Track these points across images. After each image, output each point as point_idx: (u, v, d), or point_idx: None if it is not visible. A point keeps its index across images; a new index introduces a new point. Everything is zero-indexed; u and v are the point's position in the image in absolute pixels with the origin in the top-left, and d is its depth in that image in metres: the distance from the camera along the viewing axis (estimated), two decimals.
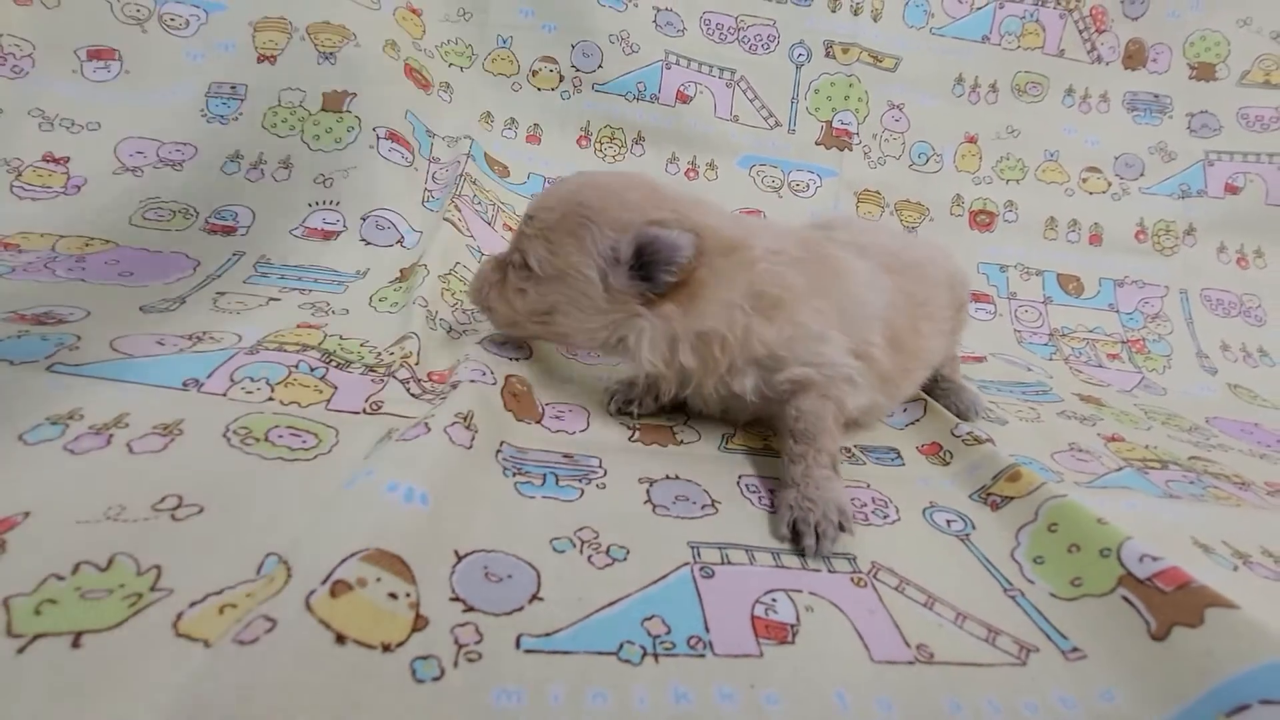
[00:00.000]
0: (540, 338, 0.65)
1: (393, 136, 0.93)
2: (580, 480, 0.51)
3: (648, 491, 0.51)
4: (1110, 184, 1.21)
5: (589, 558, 0.43)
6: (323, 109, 0.92)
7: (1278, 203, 1.20)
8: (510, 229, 0.93)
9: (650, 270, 0.53)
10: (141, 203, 0.84)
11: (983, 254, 1.17)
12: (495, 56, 1.11)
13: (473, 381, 0.57)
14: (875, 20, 1.19)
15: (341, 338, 0.66)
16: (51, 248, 0.75)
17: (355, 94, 0.93)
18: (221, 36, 0.95)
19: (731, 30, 1.16)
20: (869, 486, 0.59)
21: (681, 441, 0.62)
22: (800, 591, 0.43)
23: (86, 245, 0.77)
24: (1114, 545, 0.46)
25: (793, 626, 0.40)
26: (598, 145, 1.12)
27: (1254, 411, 1.00)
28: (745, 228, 0.59)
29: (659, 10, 1.13)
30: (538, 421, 0.59)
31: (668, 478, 0.54)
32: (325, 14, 0.96)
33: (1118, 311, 1.15)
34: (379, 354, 0.64)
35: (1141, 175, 1.21)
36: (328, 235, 0.85)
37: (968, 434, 0.66)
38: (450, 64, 1.10)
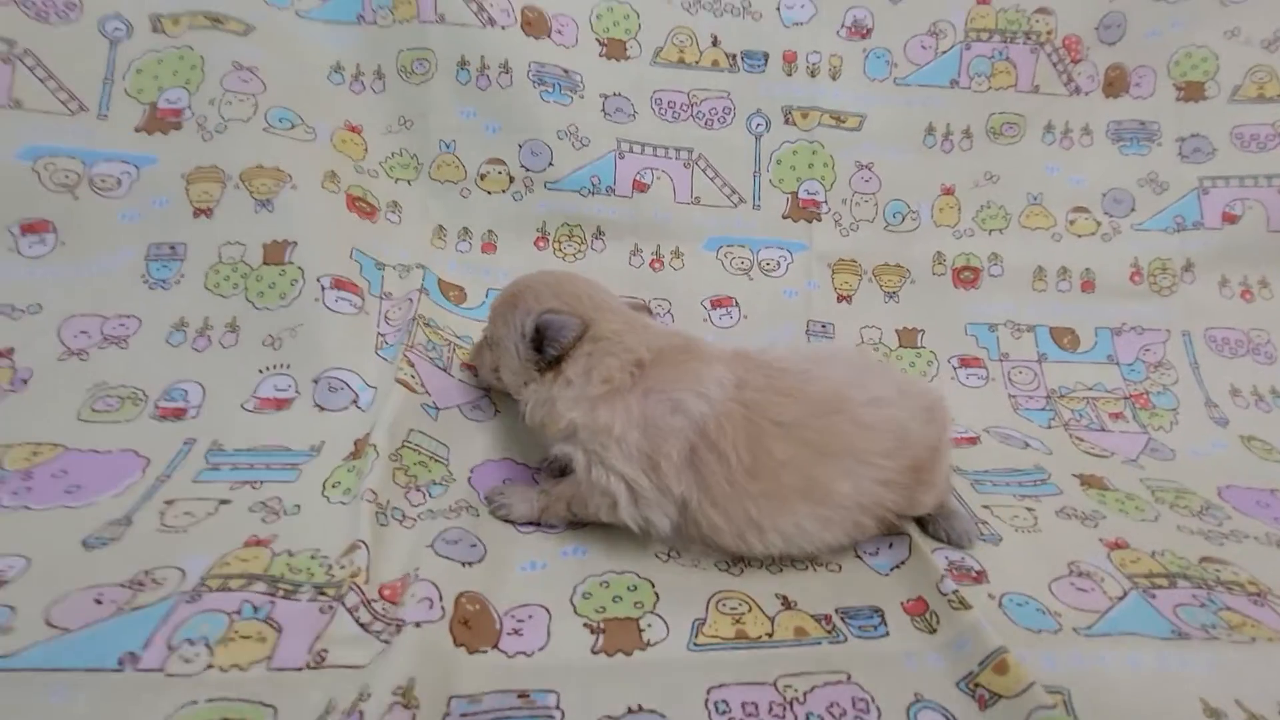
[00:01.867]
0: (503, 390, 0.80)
1: (339, 284, 0.90)
2: None
3: None
4: (1100, 224, 1.15)
5: None
6: (264, 262, 0.89)
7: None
8: (468, 366, 0.90)
9: (542, 346, 0.69)
10: (89, 391, 0.82)
11: (970, 314, 1.12)
12: (440, 163, 1.07)
13: (418, 625, 0.54)
14: (834, 79, 1.13)
15: (290, 554, 0.63)
16: None
17: (295, 242, 0.90)
18: (155, 192, 0.92)
19: (685, 107, 1.11)
20: (849, 679, 0.55)
21: (649, 643, 0.58)
22: None
23: (35, 454, 0.75)
24: None
25: None
26: (556, 245, 1.08)
27: (1269, 472, 0.95)
28: (632, 327, 0.71)
29: (606, 98, 1.09)
30: (494, 646, 0.56)
31: (629, 711, 0.51)
32: (257, 156, 0.93)
33: (1118, 364, 1.09)
34: (329, 568, 0.62)
35: (1132, 211, 1.15)
36: (280, 404, 0.83)
37: (953, 594, 0.63)
38: (396, 179, 1.06)
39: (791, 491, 0.64)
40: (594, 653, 0.57)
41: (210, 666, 0.51)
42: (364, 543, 0.63)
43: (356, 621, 0.56)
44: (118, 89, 0.95)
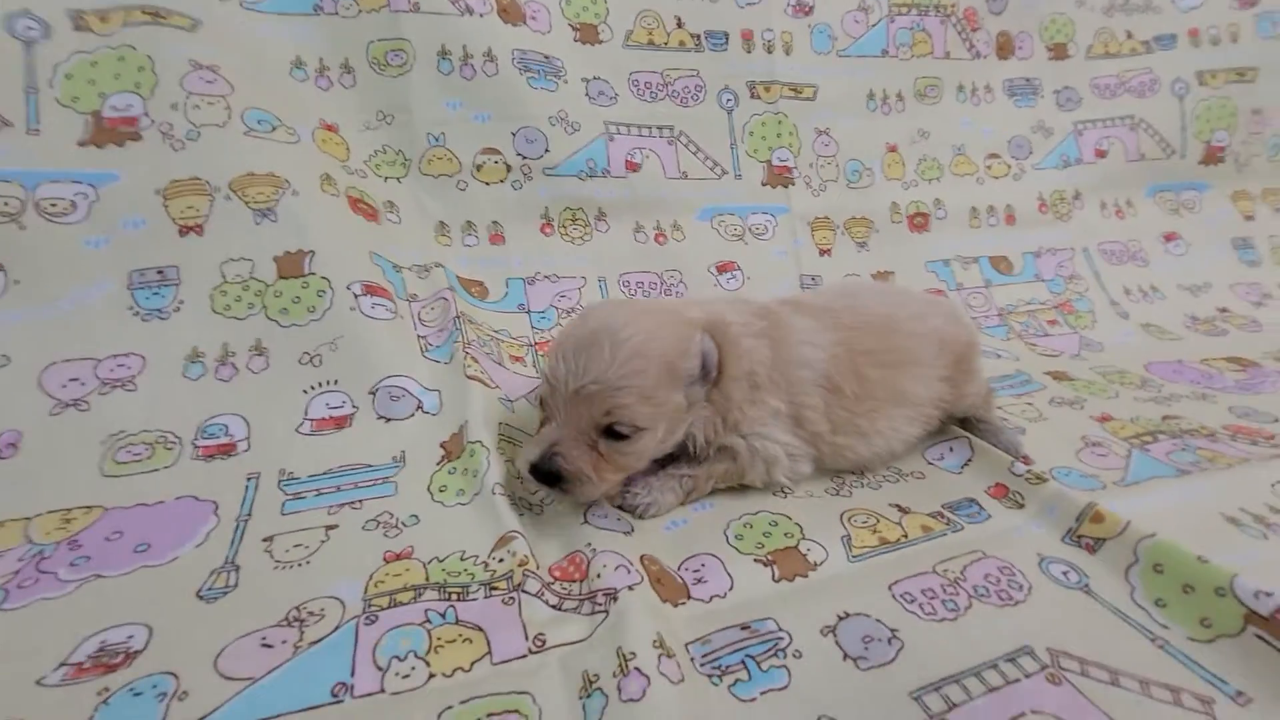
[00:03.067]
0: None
1: (371, 290, 0.85)
2: (774, 654, 0.52)
3: (837, 643, 0.53)
4: (1010, 167, 1.36)
5: None
6: (280, 276, 0.82)
7: (1136, 159, 1.40)
8: (517, 359, 0.89)
9: (709, 374, 0.66)
10: (104, 443, 0.71)
11: (927, 253, 1.28)
12: (430, 157, 1.02)
13: (631, 588, 0.55)
14: (788, 54, 1.23)
15: (439, 559, 0.61)
16: (25, 537, 0.62)
17: (312, 251, 0.83)
18: (124, 212, 0.81)
19: (660, 87, 1.15)
20: (985, 555, 0.64)
21: (816, 564, 0.63)
22: (1024, 715, 0.47)
23: (67, 521, 0.64)
24: (1226, 584, 0.54)
25: None
26: (562, 229, 1.08)
27: (1168, 348, 1.19)
28: (714, 305, 0.72)
29: (588, 81, 1.10)
30: (688, 597, 0.59)
31: (840, 618, 0.56)
32: (245, 163, 0.84)
33: (1044, 281, 1.30)
34: (486, 564, 0.60)
35: (1030, 154, 1.37)
36: (340, 423, 0.77)
37: (1027, 473, 0.74)
38: (385, 178, 1.01)
39: (885, 401, 0.76)
40: (775, 581, 0.61)
41: (433, 676, 0.49)
42: (519, 533, 0.62)
43: (546, 604, 0.56)
44: (46, 98, 0.81)
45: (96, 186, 0.81)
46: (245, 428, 0.75)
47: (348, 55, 1.00)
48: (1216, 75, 1.41)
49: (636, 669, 0.47)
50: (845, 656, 0.52)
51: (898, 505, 0.73)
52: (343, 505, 0.68)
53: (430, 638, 0.52)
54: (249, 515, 0.66)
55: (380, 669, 0.49)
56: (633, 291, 1.08)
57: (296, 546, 0.62)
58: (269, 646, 0.51)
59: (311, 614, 0.54)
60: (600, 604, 0.55)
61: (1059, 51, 1.40)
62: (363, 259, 0.87)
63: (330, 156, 0.95)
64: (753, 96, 1.20)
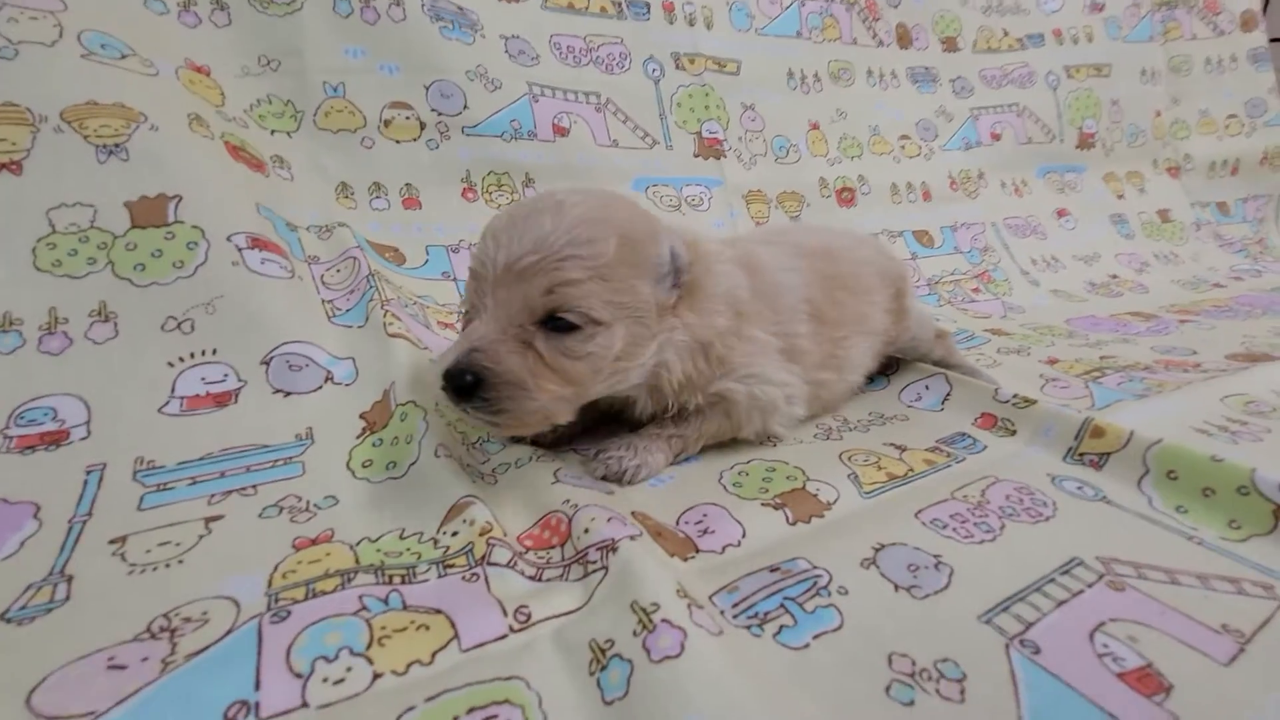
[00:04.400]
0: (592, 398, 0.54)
1: (259, 244, 0.69)
2: (815, 593, 0.43)
3: (882, 575, 0.45)
4: (921, 148, 1.41)
5: (949, 697, 0.35)
6: (134, 225, 0.64)
7: (1025, 142, 1.51)
8: (447, 325, 0.76)
9: (677, 275, 0.53)
10: None
11: (857, 227, 1.28)
12: (328, 109, 0.88)
13: (633, 539, 0.44)
14: (709, 28, 1.21)
15: (371, 540, 0.47)
16: None
17: (179, 196, 0.67)
18: None
19: (584, 52, 1.09)
20: (998, 480, 0.59)
21: (829, 503, 0.55)
22: (1105, 624, 0.41)
23: None
24: (1248, 481, 0.51)
25: (1153, 667, 0.38)
26: (486, 194, 0.97)
27: (1078, 308, 1.25)
28: (683, 228, 0.60)
29: (507, 39, 1.01)
30: (697, 550, 0.48)
31: (875, 550, 0.48)
32: (86, 90, 0.67)
33: (962, 253, 1.35)
34: (436, 541, 0.47)
35: (936, 136, 1.44)
36: (221, 400, 0.60)
37: (1013, 397, 0.71)
38: (272, 130, 0.85)
39: (854, 329, 0.72)
40: (791, 524, 0.52)
41: (379, 676, 0.35)
42: (475, 497, 0.49)
43: (522, 575, 0.44)
44: None
45: None
46: (84, 411, 0.56)
47: None
48: (1080, 70, 1.56)
49: (665, 620, 0.36)
50: (897, 588, 0.44)
51: (893, 444, 0.67)
52: (229, 493, 0.52)
53: (370, 629, 0.38)
54: (88, 514, 0.49)
55: (299, 676, 0.35)
56: None
57: (162, 545, 0.46)
58: (120, 668, 0.35)
59: (187, 620, 0.39)
60: (595, 561, 0.43)
61: (950, 44, 1.49)
62: (246, 208, 0.72)
63: (201, 99, 0.78)
64: (678, 68, 1.17)
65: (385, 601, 0.41)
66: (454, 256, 0.89)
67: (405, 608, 0.40)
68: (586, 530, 0.46)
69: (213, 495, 0.51)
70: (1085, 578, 0.46)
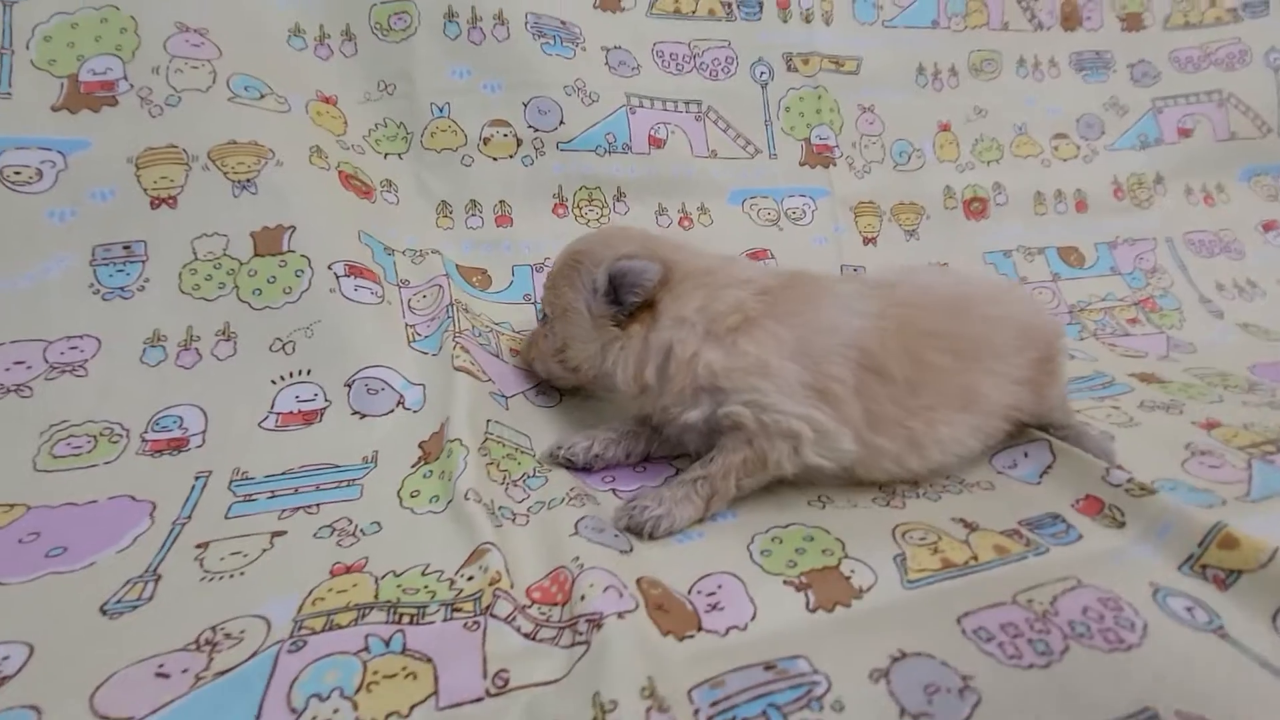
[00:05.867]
0: (569, 381, 0.72)
1: (355, 271, 0.75)
2: (806, 704, 0.40)
3: (890, 692, 0.41)
4: (1079, 147, 1.21)
5: None
6: (256, 254, 0.73)
7: (1225, 138, 1.24)
8: (515, 352, 0.79)
9: (620, 295, 0.61)
10: (43, 435, 0.63)
11: (985, 243, 1.14)
12: (434, 129, 0.94)
13: (621, 616, 0.44)
14: (828, 24, 1.12)
15: (396, 574, 0.50)
16: None
17: (293, 227, 0.75)
18: (93, 183, 0.73)
19: (687, 59, 1.05)
20: (1080, 583, 0.51)
21: (861, 590, 0.51)
22: None
23: None
24: None
25: None
26: (576, 210, 0.98)
27: (1273, 350, 1.02)
28: (721, 262, 0.65)
29: (608, 50, 1.01)
30: (699, 628, 0.47)
31: (893, 659, 0.43)
32: (227, 131, 0.77)
33: (1120, 274, 1.15)
34: (452, 582, 0.49)
35: (1103, 134, 1.22)
36: (308, 418, 0.67)
37: (1128, 482, 0.60)
38: (385, 154, 0.92)
39: (950, 401, 0.61)
40: (811, 610, 0.48)
41: None
42: (493, 544, 0.51)
43: (518, 631, 0.45)
44: (21, 60, 0.75)
45: (65, 154, 0.74)
46: (202, 420, 0.66)
47: (349, 21, 0.92)
48: None
49: None
50: (903, 712, 0.40)
51: (963, 520, 0.59)
52: (297, 509, 0.58)
53: (365, 671, 0.41)
54: (188, 518, 0.57)
55: (294, 711, 0.39)
56: None
57: (234, 554, 0.52)
58: (164, 676, 0.41)
59: (228, 636, 0.44)
60: (582, 634, 0.43)
61: (1133, 22, 1.25)
62: (349, 237, 0.78)
63: (325, 130, 0.86)
64: (789, 69, 1.09)
65: (388, 643, 0.43)
66: (537, 276, 0.92)
67: (404, 651, 0.43)
68: (583, 597, 0.46)
69: (283, 510, 0.57)
70: None
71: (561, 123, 0.96)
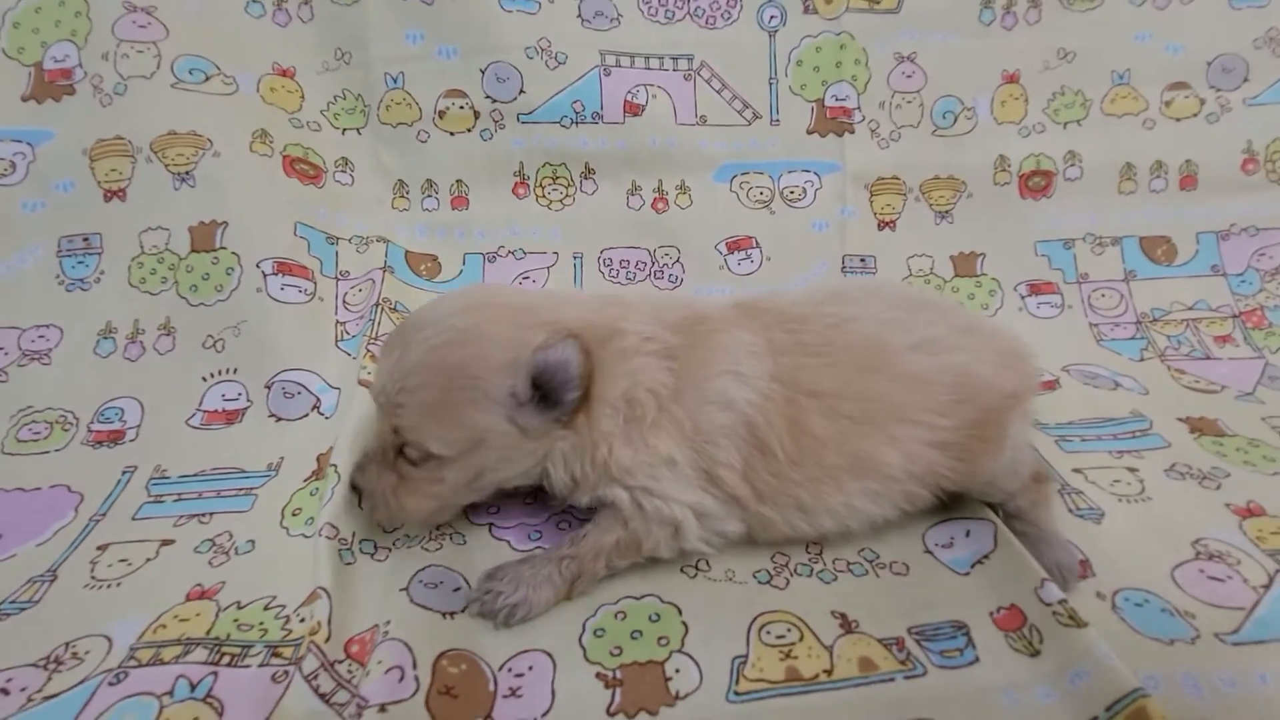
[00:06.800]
0: (472, 501, 0.59)
1: (284, 268, 0.76)
2: None
3: None
4: (1204, 101, 0.93)
5: None
6: (193, 249, 0.75)
7: None
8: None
9: (554, 396, 0.51)
10: (13, 418, 0.71)
11: (1040, 230, 0.93)
12: (388, 102, 0.89)
13: (382, 709, 0.43)
14: None
15: (239, 605, 0.52)
16: None
17: (225, 222, 0.75)
18: (57, 174, 0.78)
19: (679, 4, 0.90)
20: None
21: (677, 695, 0.47)
22: None
23: None
24: None
25: None
26: (539, 190, 0.91)
27: None
28: (616, 307, 0.56)
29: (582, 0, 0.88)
30: (487, 717, 0.45)
31: None
32: (168, 121, 0.77)
33: (1225, 275, 0.90)
34: (287, 620, 0.51)
35: (1245, 81, 0.92)
36: (230, 417, 0.71)
37: (1059, 604, 0.49)
38: (344, 129, 0.89)
39: (837, 470, 0.54)
40: (610, 715, 0.45)
41: None
42: (325, 590, 0.52)
43: (315, 692, 0.46)
44: None
45: (34, 145, 0.78)
46: (139, 413, 0.71)
47: None
48: None
49: None
50: None
51: (843, 616, 0.52)
52: (192, 517, 0.62)
53: (159, 717, 0.44)
54: (103, 515, 0.62)
55: None
56: (615, 274, 0.89)
57: (121, 562, 0.57)
58: (4, 694, 0.46)
59: (74, 656, 0.48)
60: (353, 715, 0.43)
61: None
62: (284, 231, 0.78)
63: (276, 108, 0.84)
64: (806, 10, 0.91)
65: (194, 687, 0.46)
66: (488, 266, 0.87)
67: (206, 698, 0.45)
68: (368, 672, 0.46)
69: (180, 517, 0.61)
70: None
71: (522, 91, 0.87)
